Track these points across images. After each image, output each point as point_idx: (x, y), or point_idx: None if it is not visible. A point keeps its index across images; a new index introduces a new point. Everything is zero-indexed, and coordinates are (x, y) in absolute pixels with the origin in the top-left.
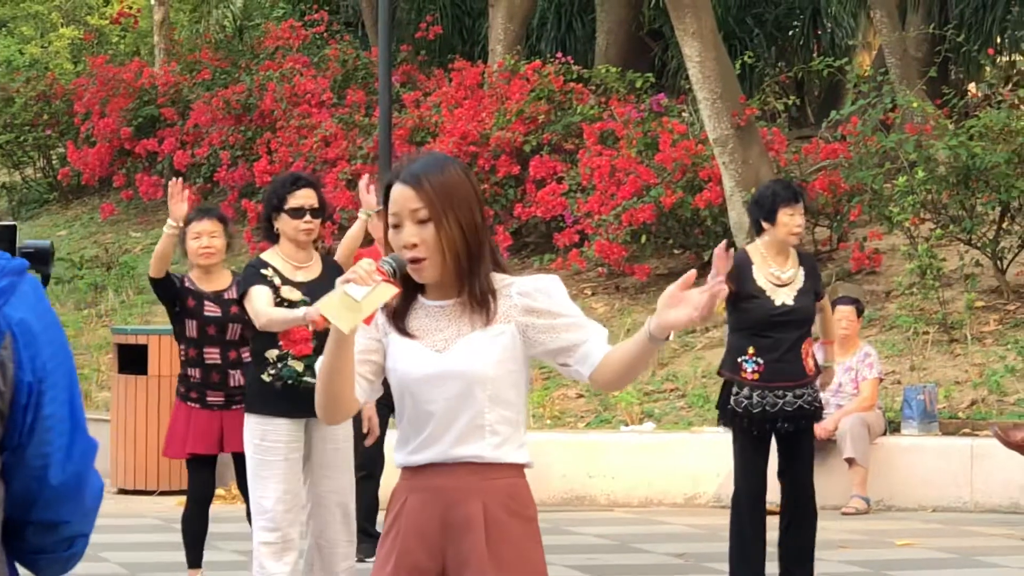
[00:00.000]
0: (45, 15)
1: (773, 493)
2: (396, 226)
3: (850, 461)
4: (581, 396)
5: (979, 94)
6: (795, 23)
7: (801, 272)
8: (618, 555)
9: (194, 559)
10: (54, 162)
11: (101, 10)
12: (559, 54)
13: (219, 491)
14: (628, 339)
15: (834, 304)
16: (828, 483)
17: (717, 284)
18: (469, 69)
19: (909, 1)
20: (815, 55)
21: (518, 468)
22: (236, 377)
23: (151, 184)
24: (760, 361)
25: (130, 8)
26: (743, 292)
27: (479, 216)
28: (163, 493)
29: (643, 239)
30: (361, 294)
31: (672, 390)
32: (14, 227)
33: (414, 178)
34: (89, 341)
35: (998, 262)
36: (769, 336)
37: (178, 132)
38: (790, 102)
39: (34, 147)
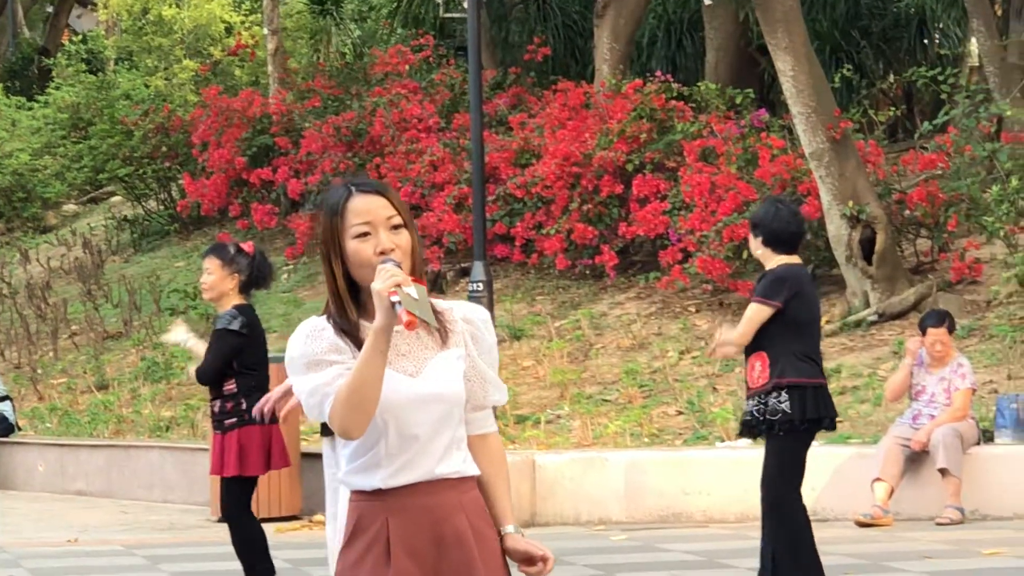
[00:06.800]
0: (168, 48)
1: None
2: (366, 234)
3: (943, 471)
4: (681, 413)
5: None
6: (902, 34)
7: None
8: (703, 571)
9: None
10: (174, 194)
11: (224, 42)
12: (659, 72)
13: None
14: (503, 492)
15: (924, 325)
16: (922, 494)
17: None
18: (573, 90)
19: (1012, 9)
20: (923, 66)
21: (476, 480)
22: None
23: (265, 213)
24: None
25: (249, 40)
26: None
27: None
28: (262, 520)
29: (745, 255)
30: (416, 294)
31: None
32: None
33: (381, 187)
34: None
35: None
36: None
37: (291, 160)
38: (891, 114)
39: (154, 179)
